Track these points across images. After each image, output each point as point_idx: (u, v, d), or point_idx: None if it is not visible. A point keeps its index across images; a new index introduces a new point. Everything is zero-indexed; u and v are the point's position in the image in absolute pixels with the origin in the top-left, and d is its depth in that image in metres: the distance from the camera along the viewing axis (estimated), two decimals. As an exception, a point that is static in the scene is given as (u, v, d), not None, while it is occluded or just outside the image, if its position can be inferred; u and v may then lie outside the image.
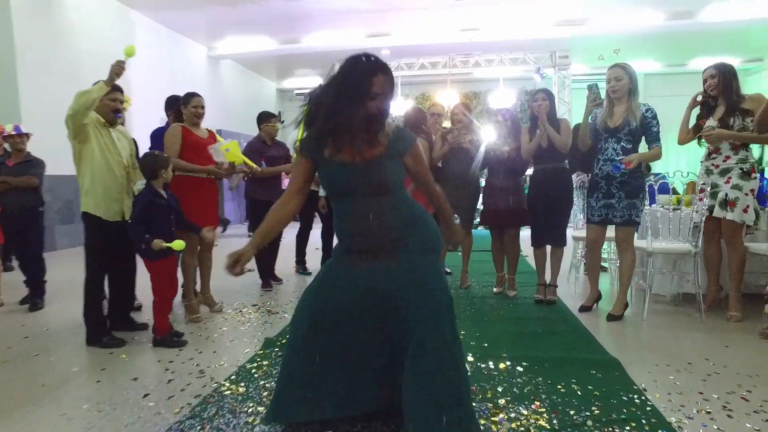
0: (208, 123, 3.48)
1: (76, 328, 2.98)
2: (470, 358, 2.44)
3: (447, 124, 4.54)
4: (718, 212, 3.06)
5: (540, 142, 3.38)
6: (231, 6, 7.85)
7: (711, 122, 3.13)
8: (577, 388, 2.10)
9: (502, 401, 1.99)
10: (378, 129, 1.59)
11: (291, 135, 4.51)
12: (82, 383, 2.27)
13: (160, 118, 5.58)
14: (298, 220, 4.74)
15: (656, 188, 3.54)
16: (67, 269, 4.75)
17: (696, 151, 3.41)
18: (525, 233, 3.71)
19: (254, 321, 3.25)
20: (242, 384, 2.20)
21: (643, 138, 3.02)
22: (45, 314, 3.51)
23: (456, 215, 4.07)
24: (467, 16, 8.39)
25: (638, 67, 3.04)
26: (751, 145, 3.14)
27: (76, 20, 6.80)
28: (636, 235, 3.28)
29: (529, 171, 3.71)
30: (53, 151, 4.23)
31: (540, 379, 2.21)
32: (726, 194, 3.04)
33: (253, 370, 2.36)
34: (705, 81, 3.17)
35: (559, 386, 2.12)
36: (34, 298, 3.66)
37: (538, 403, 1.97)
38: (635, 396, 2.02)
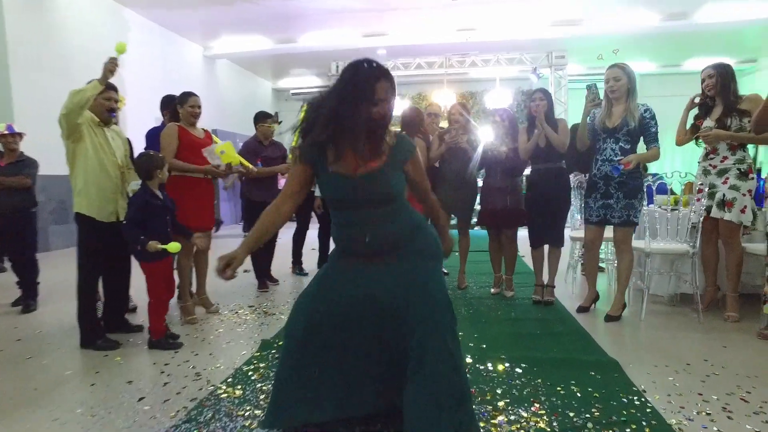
0: (203, 123, 3.45)
1: (69, 330, 2.95)
2: (469, 360, 2.43)
3: (444, 124, 4.53)
4: (715, 213, 3.06)
5: (538, 142, 3.37)
6: (226, 5, 7.80)
7: (708, 123, 3.13)
8: (577, 389, 2.09)
9: (501, 403, 1.98)
10: (381, 136, 1.59)
11: (288, 135, 4.48)
12: (75, 387, 2.24)
13: (154, 118, 5.55)
14: (294, 220, 4.71)
15: (654, 189, 3.54)
16: (60, 270, 4.69)
17: (691, 151, 3.42)
18: (522, 233, 3.70)
19: (251, 322, 3.22)
20: (239, 387, 2.17)
21: (642, 138, 3.02)
22: (38, 316, 3.46)
23: (453, 215, 4.08)
24: (463, 16, 8.39)
25: (634, 68, 3.04)
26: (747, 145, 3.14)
27: (69, 17, 6.74)
28: (633, 235, 3.28)
29: (527, 171, 3.70)
30: (46, 151, 4.18)
31: (539, 380, 2.19)
32: (724, 195, 3.04)
33: (250, 373, 2.34)
34: (703, 81, 3.17)
35: (558, 388, 2.11)
36: (27, 300, 3.62)
37: (537, 405, 1.95)
38: (635, 398, 2.01)
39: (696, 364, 2.39)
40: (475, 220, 4.21)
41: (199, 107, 3.31)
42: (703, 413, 1.89)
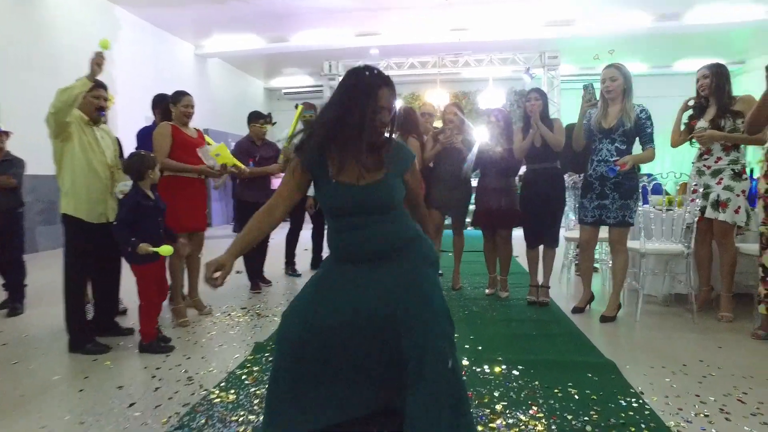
0: (194, 122, 3.41)
1: (57, 333, 2.88)
2: (465, 362, 2.41)
3: (438, 123, 4.51)
4: (710, 213, 3.07)
5: (533, 142, 3.36)
6: (218, 3, 7.73)
7: (702, 123, 3.14)
8: (575, 391, 2.08)
9: (499, 407, 1.96)
10: (385, 144, 1.59)
11: (281, 135, 4.44)
12: (63, 392, 2.18)
13: (145, 117, 5.47)
14: (287, 220, 4.67)
15: (649, 189, 3.54)
16: (48, 272, 4.61)
17: (682, 152, 3.42)
18: (516, 234, 3.69)
19: (243, 325, 3.18)
20: (232, 391, 2.13)
21: (637, 139, 3.02)
22: (25, 319, 3.38)
23: (448, 215, 4.06)
24: (456, 16, 8.38)
25: (626, 69, 3.04)
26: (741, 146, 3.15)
27: (58, 15, 6.63)
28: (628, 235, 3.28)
29: (522, 171, 3.69)
30: (34, 150, 4.09)
31: (536, 382, 2.18)
32: (718, 195, 3.05)
33: (244, 377, 2.29)
34: (698, 81, 3.18)
35: (556, 390, 2.09)
36: (14, 303, 3.53)
37: (535, 408, 1.94)
38: (633, 399, 2.00)
39: (692, 365, 2.39)
40: (469, 220, 4.19)
41: (193, 107, 3.27)
42: (701, 415, 1.88)
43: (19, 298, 3.59)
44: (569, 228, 4.15)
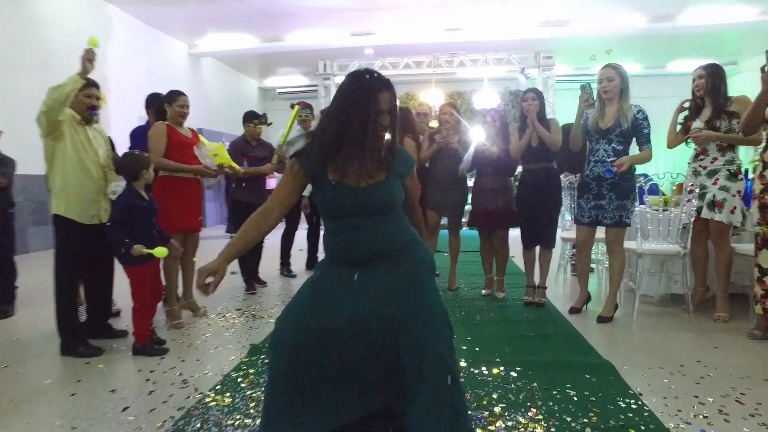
0: (188, 122, 3.37)
1: (49, 336, 2.83)
2: (463, 364, 2.39)
3: (433, 123, 4.49)
4: (706, 213, 3.08)
5: (530, 142, 3.36)
6: (212, 2, 7.67)
7: (698, 124, 3.15)
8: (573, 393, 2.07)
9: (497, 409, 1.94)
10: (386, 148, 1.59)
11: (276, 136, 4.40)
12: (55, 397, 2.14)
13: (138, 117, 5.42)
14: (282, 220, 4.63)
15: (646, 189, 3.55)
16: (40, 273, 4.54)
17: (675, 152, 3.42)
18: (512, 234, 3.68)
19: (239, 326, 3.14)
20: (228, 394, 2.10)
21: (634, 139, 3.02)
22: (15, 321, 3.33)
23: (444, 215, 4.04)
24: (451, 16, 8.38)
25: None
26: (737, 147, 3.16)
27: (49, 12, 6.54)
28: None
29: (518, 171, 3.68)
30: (26, 150, 4.04)
31: (535, 384, 2.16)
32: (714, 195, 3.06)
33: (239, 379, 2.27)
34: (693, 81, 3.19)
35: (554, 392, 2.08)
36: (4, 305, 3.48)
37: (534, 410, 1.92)
38: (631, 401, 1.99)
39: (689, 366, 2.38)
40: (465, 220, 4.18)
41: (188, 107, 3.24)
42: (700, 416, 1.88)
43: (10, 300, 3.53)
44: (565, 228, 4.15)
